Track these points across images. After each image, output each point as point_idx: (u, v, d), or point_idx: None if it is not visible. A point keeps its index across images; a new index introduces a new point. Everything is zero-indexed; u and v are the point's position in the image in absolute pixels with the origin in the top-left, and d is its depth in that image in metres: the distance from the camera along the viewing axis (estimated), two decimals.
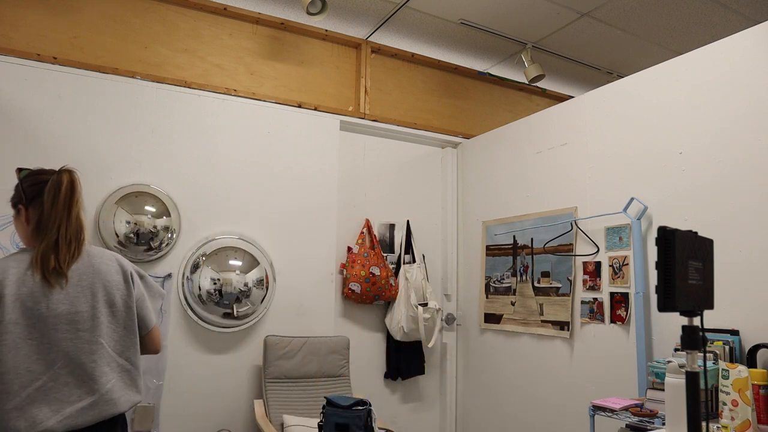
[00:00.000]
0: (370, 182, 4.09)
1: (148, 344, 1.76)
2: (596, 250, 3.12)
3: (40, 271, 1.54)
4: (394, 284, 3.88)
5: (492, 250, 3.91)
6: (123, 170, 3.17)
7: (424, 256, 4.15)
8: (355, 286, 3.73)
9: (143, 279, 1.78)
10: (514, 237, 3.73)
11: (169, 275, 3.22)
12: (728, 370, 2.02)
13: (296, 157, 3.69)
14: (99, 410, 1.56)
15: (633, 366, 2.83)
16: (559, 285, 3.34)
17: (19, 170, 1.70)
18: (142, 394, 1.71)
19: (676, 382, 1.88)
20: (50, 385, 1.51)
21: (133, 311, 1.69)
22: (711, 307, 1.35)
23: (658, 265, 1.24)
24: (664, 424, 2.14)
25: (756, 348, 2.28)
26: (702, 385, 1.27)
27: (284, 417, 3.11)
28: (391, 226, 4.11)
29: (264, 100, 3.63)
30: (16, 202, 1.67)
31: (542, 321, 3.44)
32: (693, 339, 1.26)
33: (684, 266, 1.25)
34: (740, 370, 1.99)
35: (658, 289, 1.23)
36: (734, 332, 2.37)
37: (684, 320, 1.28)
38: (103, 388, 1.58)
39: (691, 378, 1.25)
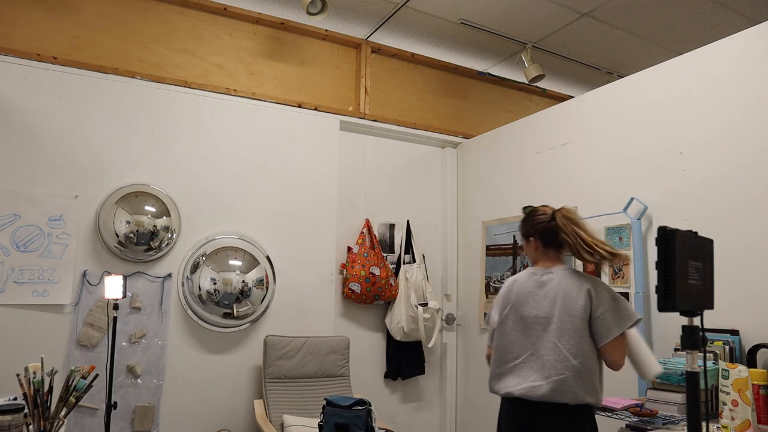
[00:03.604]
0: (370, 182, 4.09)
1: (608, 357, 1.98)
2: None
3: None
4: (394, 284, 3.88)
5: (492, 250, 3.91)
6: (123, 170, 3.17)
7: (424, 256, 4.15)
8: (355, 286, 3.73)
9: (616, 300, 2.02)
10: (514, 237, 3.72)
11: (169, 275, 3.22)
12: (728, 370, 2.02)
13: (296, 157, 3.69)
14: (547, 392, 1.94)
15: None
16: None
17: (525, 208, 2.32)
18: (598, 399, 1.95)
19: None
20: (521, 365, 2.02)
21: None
22: (711, 307, 1.35)
23: (658, 265, 1.24)
24: (664, 424, 2.14)
25: (756, 348, 2.28)
26: (702, 385, 1.27)
27: (284, 417, 3.11)
28: (391, 226, 4.11)
29: (264, 100, 3.63)
30: (526, 234, 2.20)
31: None
32: (693, 339, 1.26)
33: (684, 266, 1.25)
34: (740, 370, 1.99)
35: (658, 289, 1.23)
36: (734, 332, 2.37)
37: (684, 320, 1.28)
38: (555, 377, 1.94)
39: (691, 378, 1.25)
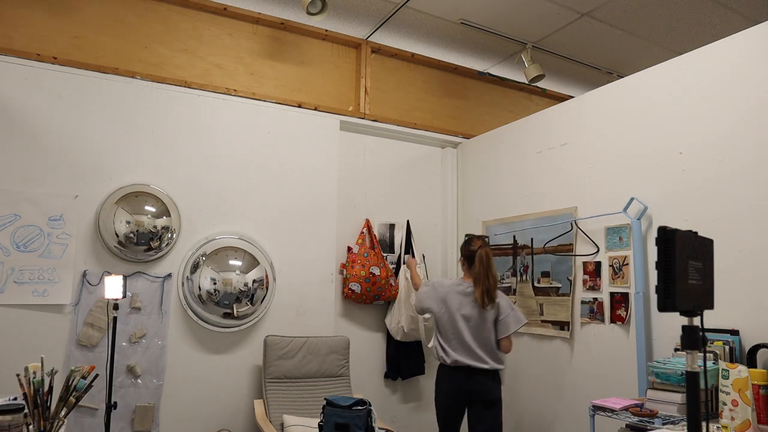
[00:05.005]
0: (370, 182, 4.09)
1: (503, 345, 3.02)
2: (596, 250, 3.12)
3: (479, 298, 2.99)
4: (394, 284, 3.88)
5: (492, 250, 3.91)
6: (123, 170, 3.17)
7: (424, 256, 4.15)
8: (355, 286, 3.73)
9: (513, 310, 3.04)
10: (514, 237, 3.72)
11: (169, 275, 3.22)
12: (728, 370, 2.02)
13: (296, 157, 3.69)
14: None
15: (633, 366, 2.83)
16: (559, 285, 3.34)
17: (466, 235, 3.39)
18: (501, 366, 2.99)
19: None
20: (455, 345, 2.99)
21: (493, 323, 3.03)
22: (711, 307, 1.35)
23: (658, 265, 1.24)
24: (664, 424, 2.14)
25: (756, 348, 2.28)
26: (702, 385, 1.27)
27: (284, 417, 3.11)
28: (391, 226, 4.11)
29: (264, 100, 3.63)
30: (461, 255, 3.17)
31: (542, 321, 3.44)
32: (693, 339, 1.26)
33: (684, 266, 1.25)
34: (740, 370, 1.99)
35: (658, 289, 1.23)
36: (734, 332, 2.37)
37: (684, 320, 1.28)
38: (478, 354, 2.96)
39: (691, 378, 1.25)
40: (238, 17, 3.63)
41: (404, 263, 3.97)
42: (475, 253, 3.02)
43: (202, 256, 3.27)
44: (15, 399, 1.91)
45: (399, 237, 4.11)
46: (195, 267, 3.24)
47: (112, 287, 2.58)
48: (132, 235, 3.08)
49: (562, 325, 3.29)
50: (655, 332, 2.77)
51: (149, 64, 3.34)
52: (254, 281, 3.34)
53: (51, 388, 1.90)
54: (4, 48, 2.96)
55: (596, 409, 2.41)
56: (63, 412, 1.90)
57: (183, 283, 3.24)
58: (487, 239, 3.22)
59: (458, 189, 4.37)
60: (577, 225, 3.26)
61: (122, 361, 3.04)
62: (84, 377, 1.96)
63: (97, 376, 2.00)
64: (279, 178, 3.62)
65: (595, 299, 3.09)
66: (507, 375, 3.70)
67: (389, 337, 3.96)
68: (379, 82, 4.13)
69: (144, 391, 3.09)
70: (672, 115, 2.79)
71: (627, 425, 2.31)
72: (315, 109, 3.81)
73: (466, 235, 3.37)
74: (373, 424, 2.74)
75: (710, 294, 1.36)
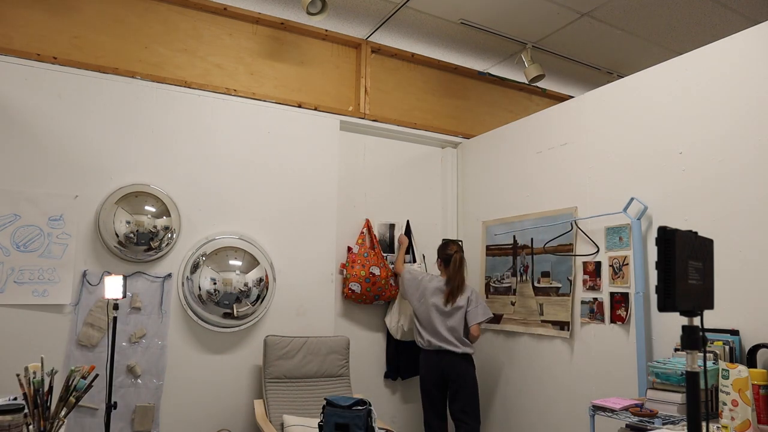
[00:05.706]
0: (370, 182, 4.09)
1: (472, 332, 3.45)
2: (596, 250, 3.12)
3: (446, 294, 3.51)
4: (394, 284, 3.88)
5: (492, 250, 3.91)
6: (123, 170, 3.17)
7: (424, 256, 4.15)
8: (355, 286, 3.73)
9: (480, 304, 3.49)
10: (514, 237, 3.72)
11: (169, 275, 3.22)
12: (728, 370, 2.02)
13: (296, 157, 3.69)
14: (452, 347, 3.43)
15: (633, 366, 2.83)
16: (559, 285, 3.34)
17: (443, 240, 3.89)
18: (470, 350, 3.43)
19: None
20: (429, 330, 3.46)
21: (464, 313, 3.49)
22: (711, 307, 1.35)
23: (658, 265, 1.24)
24: (664, 424, 2.14)
25: (756, 348, 2.28)
26: (702, 385, 1.27)
27: (284, 417, 3.11)
28: (391, 226, 4.11)
29: (264, 100, 3.63)
30: (438, 256, 3.64)
31: (542, 321, 3.44)
32: (693, 339, 1.26)
33: (684, 266, 1.25)
34: (740, 370, 1.99)
35: (658, 289, 1.23)
36: (734, 332, 2.37)
37: (684, 320, 1.28)
38: (449, 339, 3.42)
39: (691, 378, 1.25)
40: (238, 17, 3.63)
41: (397, 241, 4.07)
42: (451, 257, 3.52)
43: (202, 256, 3.27)
44: (15, 399, 1.91)
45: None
46: (195, 267, 3.24)
47: (112, 287, 2.58)
48: (132, 235, 3.08)
49: (562, 325, 3.29)
50: (655, 332, 2.77)
51: (149, 64, 3.34)
52: (254, 281, 3.34)
53: (51, 388, 1.90)
54: (4, 48, 2.96)
55: (596, 409, 2.41)
56: (63, 412, 1.90)
57: (183, 283, 3.24)
58: (460, 243, 3.75)
59: (458, 189, 4.37)
60: (577, 225, 3.26)
61: (122, 361, 3.04)
62: (84, 377, 1.96)
63: (97, 376, 2.00)
64: (279, 178, 3.62)
65: (595, 299, 3.09)
66: (507, 375, 3.70)
67: (389, 337, 3.96)
68: (379, 82, 4.13)
69: (144, 391, 3.09)
70: (672, 115, 2.79)
71: (627, 425, 2.31)
72: (315, 109, 3.81)
73: (443, 240, 3.87)
74: (373, 424, 2.74)
75: (710, 294, 1.36)
